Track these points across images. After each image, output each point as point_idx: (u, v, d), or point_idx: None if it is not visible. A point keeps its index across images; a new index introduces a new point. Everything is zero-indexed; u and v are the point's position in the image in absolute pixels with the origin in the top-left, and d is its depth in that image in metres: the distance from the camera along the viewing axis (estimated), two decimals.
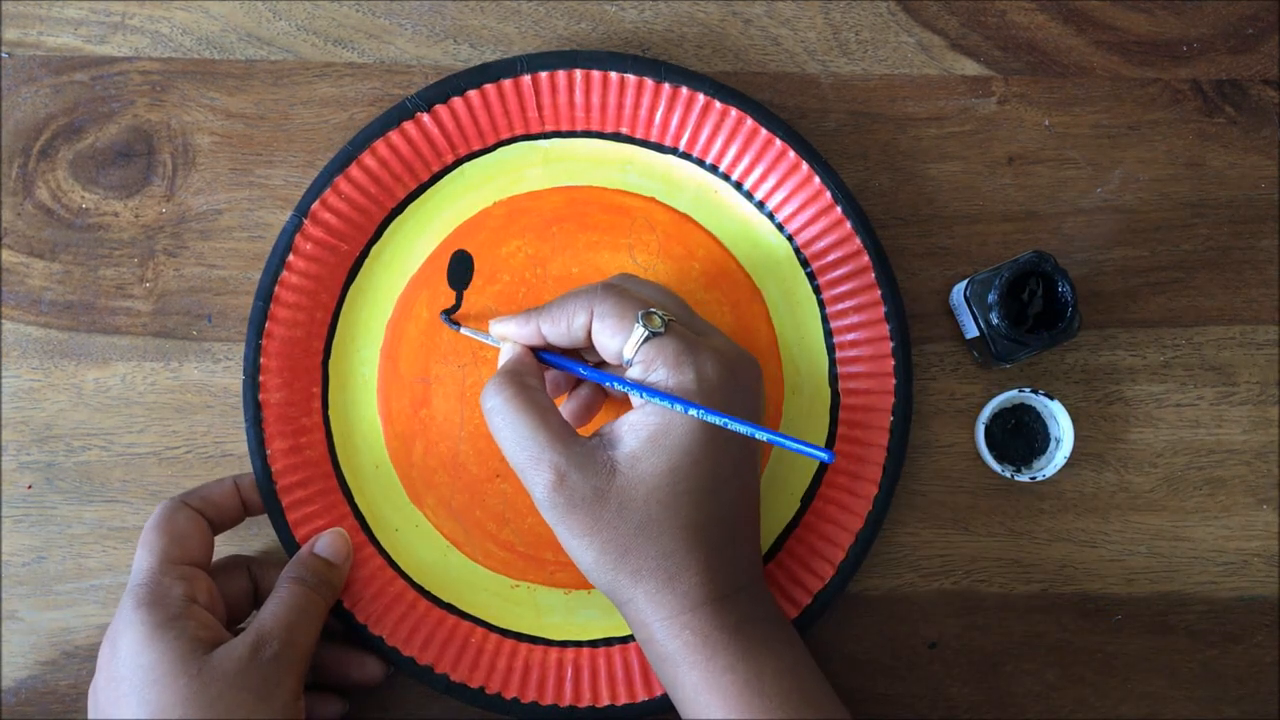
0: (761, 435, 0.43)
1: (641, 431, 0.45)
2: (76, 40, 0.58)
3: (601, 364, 0.52)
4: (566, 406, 0.52)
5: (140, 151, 0.57)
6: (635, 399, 0.46)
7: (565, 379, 0.53)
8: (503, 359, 0.50)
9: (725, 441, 0.46)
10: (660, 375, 0.45)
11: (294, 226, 0.53)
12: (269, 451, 0.53)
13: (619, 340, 0.46)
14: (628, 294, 0.47)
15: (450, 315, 0.55)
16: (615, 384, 0.46)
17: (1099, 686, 0.56)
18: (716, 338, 0.48)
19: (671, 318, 0.46)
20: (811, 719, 0.45)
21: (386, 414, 0.55)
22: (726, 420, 0.44)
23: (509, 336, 0.50)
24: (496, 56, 0.57)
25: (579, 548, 0.45)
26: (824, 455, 0.42)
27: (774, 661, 0.45)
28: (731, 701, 0.44)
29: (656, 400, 0.45)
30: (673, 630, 0.45)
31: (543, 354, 0.50)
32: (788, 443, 0.43)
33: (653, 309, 0.46)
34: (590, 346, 0.48)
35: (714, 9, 0.58)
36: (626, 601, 0.46)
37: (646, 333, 0.45)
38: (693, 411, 0.44)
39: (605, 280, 0.49)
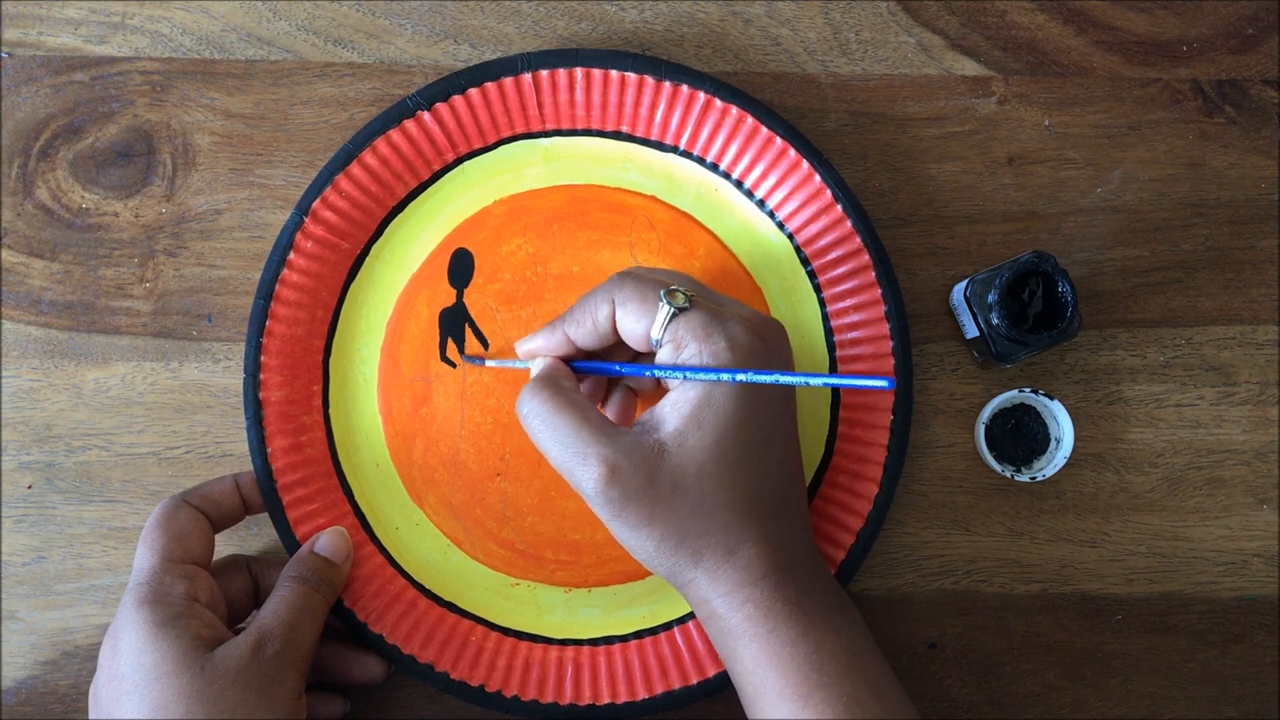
0: (816, 381, 0.43)
1: (684, 408, 0.45)
2: (76, 40, 0.58)
3: (631, 361, 0.52)
4: (606, 412, 0.52)
5: (140, 151, 0.57)
6: (671, 380, 0.46)
7: (596, 388, 0.52)
8: (535, 373, 0.50)
9: (765, 403, 0.46)
10: (691, 350, 0.45)
11: (295, 224, 0.53)
12: (269, 450, 0.53)
13: (645, 323, 0.46)
14: (646, 278, 0.47)
15: (462, 350, 0.55)
16: (653, 373, 0.46)
17: (1099, 686, 0.56)
18: (737, 306, 0.48)
19: (693, 293, 0.46)
20: (867, 698, 0.45)
21: (387, 412, 0.55)
22: (776, 376, 0.43)
23: (538, 351, 0.50)
24: (496, 57, 0.57)
25: (638, 539, 0.45)
26: (884, 383, 0.41)
27: (834, 638, 0.45)
28: (790, 676, 0.45)
29: (699, 377, 0.44)
30: (734, 604, 0.45)
31: (574, 364, 0.50)
32: (843, 381, 0.42)
33: (674, 286, 0.46)
34: (617, 343, 0.48)
35: (714, 9, 0.59)
36: (688, 583, 0.46)
37: (671, 309, 0.45)
38: (740, 377, 0.44)
39: (619, 271, 0.49)
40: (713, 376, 0.44)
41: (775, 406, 0.47)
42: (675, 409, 0.45)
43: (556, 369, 0.49)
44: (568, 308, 0.49)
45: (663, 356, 0.46)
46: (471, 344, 0.56)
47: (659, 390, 0.52)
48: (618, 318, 0.47)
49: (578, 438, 0.45)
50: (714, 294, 0.49)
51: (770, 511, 0.46)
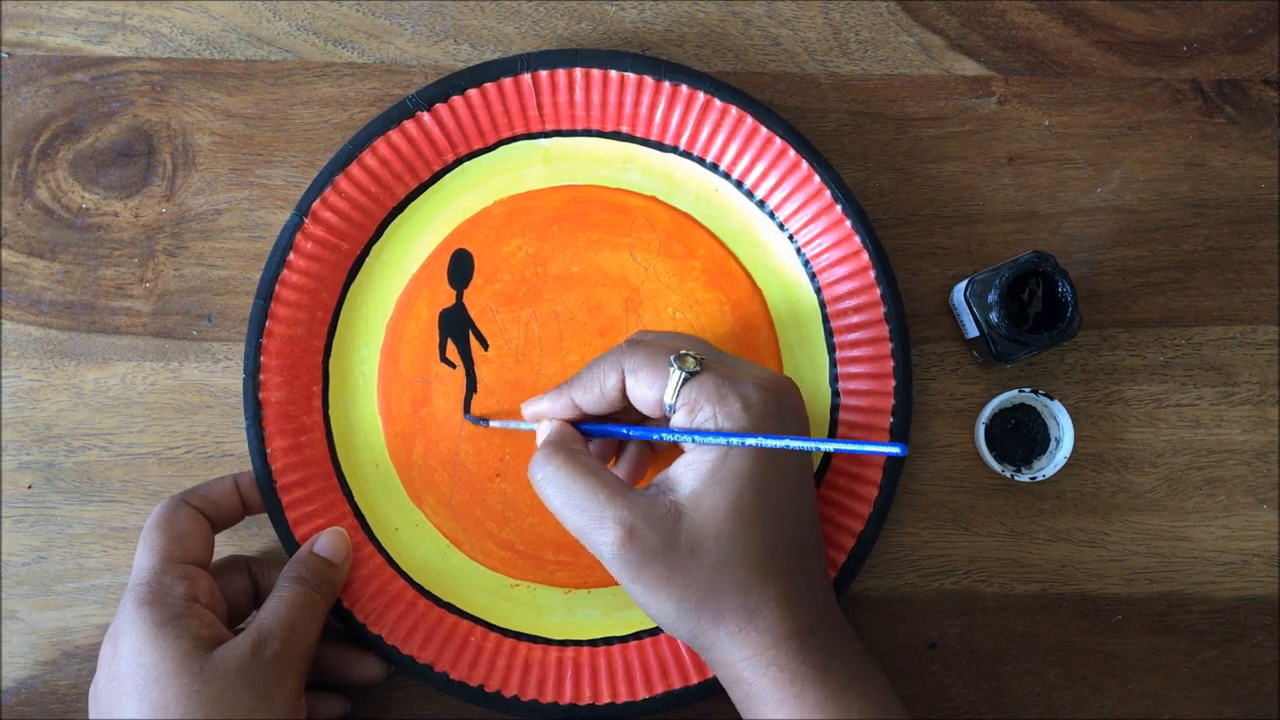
0: (827, 446, 0.43)
1: (700, 469, 0.44)
2: (76, 40, 0.58)
3: (639, 423, 0.51)
4: (619, 470, 0.52)
5: (140, 151, 0.57)
6: (685, 442, 0.46)
7: (606, 449, 0.52)
8: (541, 436, 0.49)
9: (783, 464, 0.46)
10: (706, 413, 0.45)
11: (295, 225, 0.53)
12: (269, 450, 0.53)
13: (656, 389, 0.46)
14: (654, 344, 0.47)
15: (469, 407, 0.55)
16: (664, 435, 0.46)
17: (1099, 686, 0.56)
18: (750, 367, 0.48)
19: (703, 357, 0.46)
20: None
21: (386, 413, 0.55)
22: (788, 441, 0.43)
23: (544, 415, 0.50)
24: (496, 57, 0.57)
25: (657, 601, 0.44)
26: (896, 450, 0.41)
27: (861, 705, 0.44)
28: None
29: (710, 441, 0.44)
30: (759, 668, 0.44)
31: (582, 426, 0.50)
32: (855, 447, 0.42)
33: (684, 351, 0.46)
34: (625, 408, 0.48)
35: (714, 9, 0.58)
36: (710, 646, 0.45)
37: (683, 375, 0.45)
38: (750, 442, 0.43)
39: (626, 339, 0.48)
40: (721, 441, 0.44)
41: (792, 467, 0.46)
42: (690, 470, 0.45)
43: (565, 432, 0.49)
44: (575, 372, 0.49)
45: (677, 421, 0.46)
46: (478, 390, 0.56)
47: (675, 449, 0.51)
48: (628, 385, 0.47)
49: (593, 501, 0.45)
50: (724, 355, 0.49)
51: (790, 572, 0.45)
